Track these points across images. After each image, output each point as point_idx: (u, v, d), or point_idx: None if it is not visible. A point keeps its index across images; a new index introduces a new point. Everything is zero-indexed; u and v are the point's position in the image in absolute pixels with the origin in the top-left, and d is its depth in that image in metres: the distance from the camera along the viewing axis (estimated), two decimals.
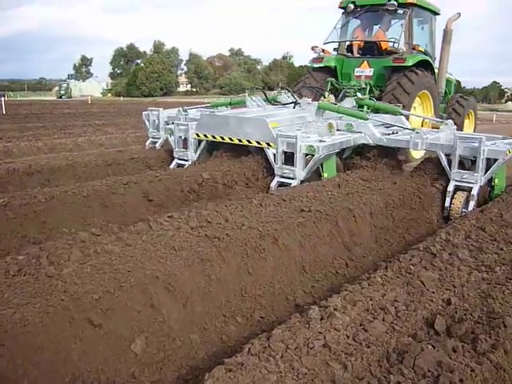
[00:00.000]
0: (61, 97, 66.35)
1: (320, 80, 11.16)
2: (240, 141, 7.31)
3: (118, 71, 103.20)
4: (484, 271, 3.68)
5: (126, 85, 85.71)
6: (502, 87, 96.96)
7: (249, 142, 7.22)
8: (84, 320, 2.85)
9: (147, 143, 9.87)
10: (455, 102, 11.70)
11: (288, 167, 6.70)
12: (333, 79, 11.03)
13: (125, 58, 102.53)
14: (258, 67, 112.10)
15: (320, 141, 6.73)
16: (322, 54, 11.43)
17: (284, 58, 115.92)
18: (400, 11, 10.41)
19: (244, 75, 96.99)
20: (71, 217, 5.51)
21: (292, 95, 9.77)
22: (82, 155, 8.48)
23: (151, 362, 3.01)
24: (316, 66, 11.33)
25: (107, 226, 4.46)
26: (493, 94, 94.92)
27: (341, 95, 10.10)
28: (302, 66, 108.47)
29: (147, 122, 9.88)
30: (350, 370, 2.38)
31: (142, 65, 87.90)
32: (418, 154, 9.37)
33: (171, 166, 8.14)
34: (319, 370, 2.37)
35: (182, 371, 3.06)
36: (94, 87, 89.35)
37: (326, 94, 9.94)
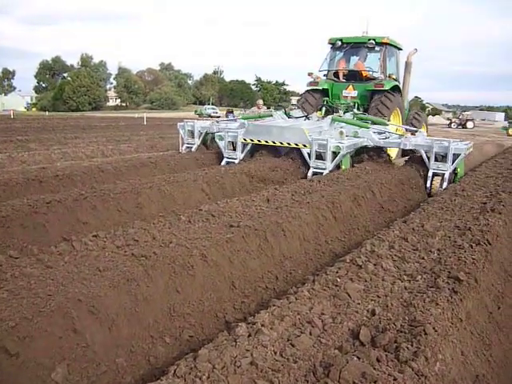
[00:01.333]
0: None
1: (317, 99, 14.00)
2: (281, 143, 10.11)
3: (44, 85, 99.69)
4: (406, 280, 3.81)
5: (52, 99, 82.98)
6: (423, 102, 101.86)
7: (288, 144, 9.99)
8: None
9: (183, 148, 12.33)
10: (413, 117, 14.58)
11: (320, 161, 9.50)
12: (327, 98, 13.86)
13: (50, 71, 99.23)
14: (189, 82, 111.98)
15: (340, 143, 9.48)
16: (316, 79, 14.26)
17: (215, 72, 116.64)
18: (377, 48, 13.60)
19: (175, 90, 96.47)
20: None
21: (302, 111, 13.25)
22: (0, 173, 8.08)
23: None
24: (312, 87, 14.20)
25: (27, 247, 4.26)
26: (415, 108, 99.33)
27: (337, 111, 12.75)
28: (233, 81, 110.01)
29: (182, 131, 12.32)
30: None
31: (69, 78, 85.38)
32: (393, 153, 12.11)
33: (222, 163, 10.66)
34: None
35: None
36: (17, 101, 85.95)
37: (318, 112, 13.13)
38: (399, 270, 4.05)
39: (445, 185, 9.26)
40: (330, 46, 14.28)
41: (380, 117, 12.21)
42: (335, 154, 9.49)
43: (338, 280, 3.69)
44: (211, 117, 57.22)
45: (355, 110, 12.68)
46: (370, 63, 14.03)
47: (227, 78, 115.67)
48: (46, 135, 19.61)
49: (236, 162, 10.63)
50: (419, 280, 3.81)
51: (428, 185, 9.57)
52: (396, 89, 13.55)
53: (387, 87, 13.04)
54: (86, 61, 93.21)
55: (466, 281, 3.77)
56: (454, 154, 9.37)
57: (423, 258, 4.35)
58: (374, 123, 11.24)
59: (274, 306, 3.21)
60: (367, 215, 7.28)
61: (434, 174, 9.54)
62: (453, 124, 53.15)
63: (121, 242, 4.39)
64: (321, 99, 13.94)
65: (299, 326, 2.92)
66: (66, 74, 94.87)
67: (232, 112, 61.90)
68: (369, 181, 8.28)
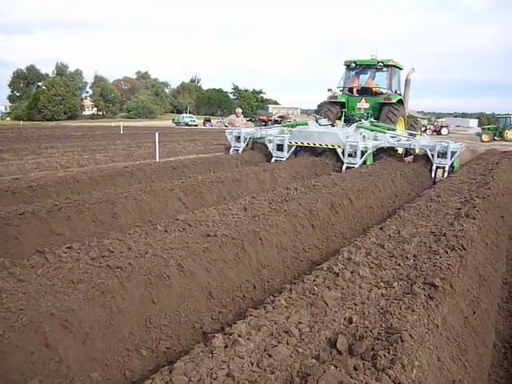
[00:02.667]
0: None
1: (336, 109, 16.74)
2: (321, 145, 13.45)
3: (18, 94, 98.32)
4: (383, 287, 3.82)
5: (27, 108, 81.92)
6: None
7: (326, 145, 13.29)
8: None
9: (231, 151, 15.25)
10: (410, 124, 17.44)
11: (351, 158, 12.73)
12: (345, 110, 16.43)
13: (25, 80, 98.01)
14: (166, 90, 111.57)
15: (366, 144, 12.79)
16: (336, 93, 17.27)
17: (192, 81, 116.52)
18: (384, 69, 16.65)
19: (152, 98, 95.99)
20: None
21: (329, 120, 15.98)
22: None
23: None
24: (332, 100, 17.25)
25: None
26: None
27: (353, 120, 15.57)
28: (210, 89, 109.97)
29: (229, 137, 15.45)
30: None
31: (44, 87, 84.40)
32: (401, 150, 14.68)
33: (272, 160, 13.72)
34: None
35: None
36: None
37: (338, 120, 15.78)
38: (376, 277, 4.06)
39: (445, 175, 12.19)
40: (346, 66, 17.22)
41: (389, 124, 15.12)
42: (363, 152, 12.77)
43: (315, 288, 3.68)
44: (188, 125, 57.18)
45: (371, 119, 15.60)
46: (378, 81, 17.05)
47: (204, 87, 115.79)
48: (20, 145, 19.28)
49: (283, 159, 13.59)
50: (396, 287, 3.82)
51: (433, 175, 12.70)
52: (400, 101, 16.52)
53: (394, 100, 16.03)
54: (61, 69, 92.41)
55: (442, 286, 3.79)
56: (452, 152, 12.32)
57: (399, 265, 4.36)
58: (386, 129, 14.17)
59: (250, 315, 3.19)
60: (344, 222, 7.31)
61: (437, 167, 12.63)
62: (428, 131, 53.86)
63: (95, 254, 4.32)
64: (339, 110, 16.64)
65: (276, 336, 2.90)
66: (40, 83, 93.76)
67: (209, 120, 62.02)
68: (346, 188, 8.33)
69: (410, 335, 2.88)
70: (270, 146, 14.14)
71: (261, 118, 56.28)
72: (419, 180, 11.98)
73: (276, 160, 13.62)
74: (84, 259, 4.18)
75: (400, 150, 14.64)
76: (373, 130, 13.80)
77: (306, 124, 15.37)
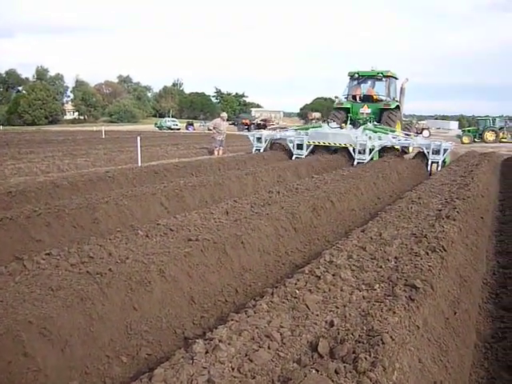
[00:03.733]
0: None
1: (342, 114, 19.23)
2: (335, 144, 16.30)
3: None
4: (364, 290, 3.82)
5: (7, 113, 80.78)
6: None
7: (340, 144, 16.09)
8: None
9: (253, 150, 17.66)
10: (405, 127, 20.25)
11: (361, 155, 15.41)
12: (350, 114, 18.90)
13: (4, 84, 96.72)
14: (149, 94, 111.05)
15: (373, 144, 15.48)
16: (341, 100, 20.04)
17: (174, 84, 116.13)
18: (383, 79, 19.41)
19: (134, 102, 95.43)
20: None
21: (338, 124, 18.01)
22: None
23: None
24: (338, 106, 19.88)
25: None
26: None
27: (357, 123, 18.21)
28: (192, 93, 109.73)
29: (251, 138, 18.06)
30: None
31: (24, 92, 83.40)
32: (399, 148, 16.73)
33: (293, 158, 16.24)
34: None
35: None
36: None
37: (343, 123, 18.13)
38: (357, 279, 4.07)
39: (439, 168, 14.58)
40: (349, 77, 20.03)
41: (389, 127, 17.75)
42: (370, 150, 15.56)
43: (297, 292, 3.67)
44: (171, 129, 56.91)
45: (375, 122, 18.11)
46: (378, 89, 19.70)
47: (187, 91, 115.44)
48: None
49: (302, 157, 16.18)
50: (377, 289, 3.83)
51: (429, 169, 15.13)
52: (397, 107, 19.10)
53: (392, 106, 18.73)
54: (41, 74, 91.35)
55: (423, 288, 3.81)
56: (444, 149, 14.94)
57: (381, 267, 4.38)
58: (388, 131, 16.85)
59: (232, 320, 3.17)
60: (327, 225, 7.33)
61: (432, 162, 15.10)
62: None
63: (75, 260, 4.27)
64: (344, 115, 19.14)
65: (257, 341, 2.88)
66: (20, 88, 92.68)
67: (192, 124, 61.82)
68: (328, 191, 8.36)
69: (391, 337, 2.88)
70: (291, 146, 16.80)
71: (244, 121, 56.28)
72: (417, 172, 14.47)
73: (296, 157, 16.30)
74: (63, 265, 4.13)
75: (398, 148, 17.07)
76: (376, 132, 16.40)
77: (320, 127, 17.92)
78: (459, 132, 53.28)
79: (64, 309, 3.35)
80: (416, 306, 3.52)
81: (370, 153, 15.43)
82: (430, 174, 14.10)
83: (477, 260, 5.98)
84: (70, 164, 14.33)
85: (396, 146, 16.32)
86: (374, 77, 19.69)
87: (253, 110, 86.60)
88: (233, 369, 2.56)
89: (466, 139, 40.50)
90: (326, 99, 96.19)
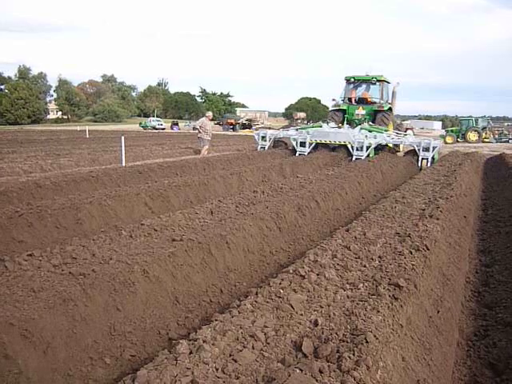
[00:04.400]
0: None
1: (339, 115, 21.05)
2: (335, 142, 17.59)
3: None
4: (349, 289, 3.84)
5: None
6: None
7: (339, 142, 17.43)
8: None
9: (258, 148, 19.16)
10: (396, 127, 20.98)
11: (359, 152, 16.65)
12: (347, 115, 20.81)
13: None
14: (133, 94, 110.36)
15: (370, 142, 16.83)
16: (339, 102, 21.45)
17: (159, 84, 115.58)
18: (377, 83, 21.13)
19: (118, 102, 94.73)
20: None
21: (336, 124, 19.90)
22: None
23: None
24: (335, 108, 21.42)
25: None
26: None
27: (353, 124, 20.12)
28: (177, 93, 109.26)
29: (256, 137, 19.67)
30: None
31: (7, 91, 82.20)
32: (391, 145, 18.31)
33: (296, 155, 17.50)
34: None
35: None
36: None
37: (340, 123, 20.20)
38: (342, 278, 4.08)
39: (429, 164, 16.10)
40: (346, 81, 21.61)
41: (383, 127, 19.26)
42: (367, 148, 16.88)
43: (281, 291, 3.67)
44: (156, 129, 56.60)
45: (370, 123, 19.73)
46: (372, 92, 21.36)
47: (172, 90, 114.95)
48: None
49: (305, 154, 17.49)
50: (361, 288, 3.85)
51: (419, 164, 16.60)
52: (390, 109, 20.61)
53: (385, 108, 20.31)
54: (23, 73, 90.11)
55: (406, 287, 3.84)
56: (433, 147, 16.37)
57: (365, 266, 4.40)
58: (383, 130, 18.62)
59: (216, 320, 3.15)
60: (311, 225, 7.35)
61: (423, 159, 16.57)
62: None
63: (58, 261, 4.22)
64: (341, 115, 20.98)
65: (242, 341, 2.87)
66: (3, 87, 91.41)
67: (177, 124, 61.50)
68: (312, 191, 8.38)
69: (375, 336, 2.90)
70: (294, 143, 18.17)
71: (229, 121, 56.22)
72: (409, 168, 15.99)
73: (300, 154, 17.61)
74: (46, 267, 4.08)
75: (391, 146, 18.61)
76: (372, 131, 18.13)
77: (320, 126, 19.48)
78: (442, 132, 53.77)
79: (46, 310, 3.31)
80: (400, 305, 3.54)
81: (367, 150, 16.86)
82: (421, 169, 15.68)
83: (460, 259, 6.03)
84: (53, 164, 14.16)
85: (389, 144, 17.75)
86: (368, 81, 21.41)
87: (238, 109, 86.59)
88: (217, 369, 2.55)
89: (449, 139, 40.85)
90: (310, 99, 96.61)
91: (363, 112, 20.58)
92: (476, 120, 43.12)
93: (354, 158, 16.71)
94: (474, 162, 18.02)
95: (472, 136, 41.17)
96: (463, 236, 7.07)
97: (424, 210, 6.96)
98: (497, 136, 44.63)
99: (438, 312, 4.27)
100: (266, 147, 19.03)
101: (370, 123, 19.70)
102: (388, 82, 21.79)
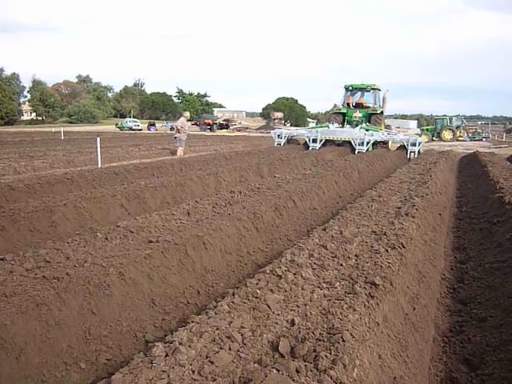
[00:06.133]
0: None
1: (339, 117, 24.86)
2: (341, 139, 21.74)
3: None
4: (325, 288, 3.85)
5: None
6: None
7: (345, 139, 21.52)
8: None
9: (275, 144, 22.83)
10: (385, 128, 25.14)
11: (361, 147, 20.57)
12: (347, 118, 24.79)
13: None
14: (109, 94, 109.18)
15: (369, 139, 20.98)
16: (339, 106, 25.80)
17: (136, 85, 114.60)
18: (371, 91, 25.35)
19: (94, 103, 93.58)
20: None
21: (339, 125, 23.91)
22: None
23: None
24: (336, 111, 25.47)
25: None
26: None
27: (352, 124, 24.12)
28: (154, 93, 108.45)
29: (273, 135, 23.50)
30: None
31: None
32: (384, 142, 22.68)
33: (309, 149, 20.89)
34: None
35: None
36: None
37: (340, 124, 24.26)
38: (318, 278, 4.09)
39: (416, 155, 20.23)
40: (345, 89, 25.75)
41: (377, 127, 23.46)
42: (367, 143, 20.63)
43: (258, 292, 3.66)
44: (133, 130, 56.11)
45: (367, 123, 23.83)
46: (366, 98, 25.51)
47: (148, 91, 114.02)
48: None
49: (317, 148, 21.13)
50: (338, 287, 3.86)
51: (408, 156, 20.47)
52: (381, 112, 24.88)
53: (378, 111, 24.71)
54: None
55: (382, 285, 3.86)
56: (419, 143, 20.59)
57: (342, 265, 4.42)
58: (379, 130, 22.94)
59: (192, 322, 3.13)
60: (289, 224, 7.36)
61: (411, 152, 20.55)
62: None
63: (31, 265, 4.15)
64: (341, 118, 24.91)
65: (218, 342, 2.85)
66: None
67: (154, 125, 61.07)
68: (290, 190, 8.39)
69: (352, 334, 2.91)
70: (307, 140, 22.21)
71: (206, 121, 56.11)
72: (400, 159, 19.93)
73: (312, 148, 21.27)
74: (18, 271, 4.01)
75: (385, 141, 22.48)
76: (369, 130, 22.15)
77: (327, 127, 23.66)
78: (418, 131, 54.40)
79: (19, 315, 3.24)
80: (376, 303, 3.56)
81: (367, 145, 20.69)
82: (409, 160, 19.53)
83: (435, 256, 6.10)
84: (26, 166, 13.93)
85: (384, 140, 22.04)
86: (363, 89, 25.71)
87: (215, 110, 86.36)
88: (193, 371, 2.53)
89: (424, 138, 41.28)
90: (287, 99, 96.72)
91: (360, 115, 24.75)
92: (450, 119, 43.84)
93: (356, 152, 20.39)
94: (448, 160, 18.31)
95: (447, 135, 41.82)
96: (438, 233, 7.16)
97: (400, 208, 7.02)
98: (471, 134, 45.48)
99: (414, 309, 4.31)
100: (282, 143, 22.81)
101: (367, 123, 23.84)
102: (379, 90, 25.92)
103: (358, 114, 24.79)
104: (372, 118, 24.67)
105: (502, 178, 11.15)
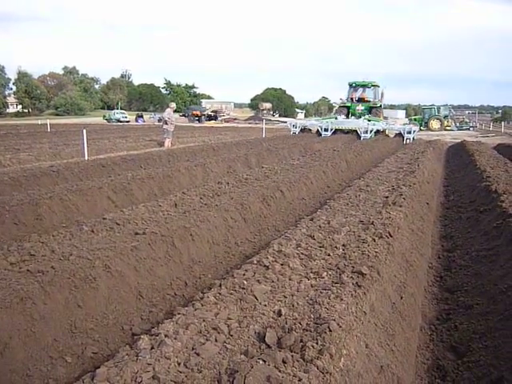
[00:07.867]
0: None
1: (344, 110, 30.14)
2: (348, 128, 26.66)
3: None
4: (312, 278, 3.84)
5: None
6: (330, 102, 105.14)
7: (351, 128, 26.46)
8: None
9: (291, 133, 27.04)
10: (384, 118, 30.27)
11: (365, 135, 25.11)
12: (351, 110, 29.78)
13: None
14: (96, 86, 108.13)
15: (372, 127, 25.90)
16: (344, 101, 31.49)
17: (123, 76, 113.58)
18: (371, 87, 30.61)
19: (81, 94, 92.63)
20: None
21: (345, 117, 29.50)
22: None
23: None
24: (342, 105, 31.16)
25: None
26: (323, 108, 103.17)
27: (355, 116, 29.49)
28: (141, 84, 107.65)
29: (289, 125, 29.19)
30: None
31: None
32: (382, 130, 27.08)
33: (321, 137, 25.02)
34: None
35: None
36: None
37: (345, 115, 30.08)
38: (306, 268, 4.08)
39: (410, 141, 23.52)
40: (349, 85, 30.96)
41: (377, 118, 27.74)
42: (371, 131, 24.75)
43: (245, 283, 3.64)
44: (120, 122, 55.68)
45: (369, 115, 28.27)
46: (367, 94, 30.32)
47: (136, 82, 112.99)
48: None
49: (328, 136, 24.75)
50: (325, 277, 3.85)
51: (404, 142, 23.52)
52: (380, 106, 29.99)
53: (378, 105, 29.72)
54: None
55: (369, 274, 3.86)
56: (413, 131, 24.42)
57: (329, 255, 4.41)
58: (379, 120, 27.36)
59: (178, 314, 3.11)
60: (277, 214, 7.34)
61: (407, 138, 23.81)
62: None
63: (15, 258, 4.10)
64: (346, 110, 29.92)
65: (205, 334, 2.84)
66: None
67: (142, 116, 60.65)
68: (277, 180, 8.37)
69: (338, 324, 2.90)
70: (319, 129, 26.15)
71: (194, 113, 55.84)
72: (397, 144, 22.94)
73: (324, 136, 25.00)
74: (2, 264, 3.96)
75: (385, 130, 26.28)
76: (370, 120, 26.45)
77: (336, 118, 28.09)
78: (406, 120, 54.57)
79: (3, 310, 3.20)
80: (363, 293, 3.56)
81: (370, 133, 24.66)
82: (405, 145, 22.37)
83: (422, 245, 6.13)
84: (12, 159, 13.76)
85: (381, 129, 25.77)
86: (365, 86, 30.54)
87: (203, 101, 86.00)
88: (179, 364, 2.51)
89: None
90: (276, 90, 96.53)
91: (362, 108, 29.67)
92: (438, 108, 44.01)
93: (362, 139, 24.06)
94: (436, 149, 18.39)
95: (434, 124, 42.03)
96: (426, 222, 7.19)
97: (387, 197, 7.03)
98: (458, 124, 45.68)
99: (402, 298, 4.32)
100: (297, 132, 27.00)
101: (369, 115, 28.43)
102: (378, 86, 30.93)
103: (360, 107, 29.75)
104: (372, 110, 29.51)
105: (488, 166, 11.22)
